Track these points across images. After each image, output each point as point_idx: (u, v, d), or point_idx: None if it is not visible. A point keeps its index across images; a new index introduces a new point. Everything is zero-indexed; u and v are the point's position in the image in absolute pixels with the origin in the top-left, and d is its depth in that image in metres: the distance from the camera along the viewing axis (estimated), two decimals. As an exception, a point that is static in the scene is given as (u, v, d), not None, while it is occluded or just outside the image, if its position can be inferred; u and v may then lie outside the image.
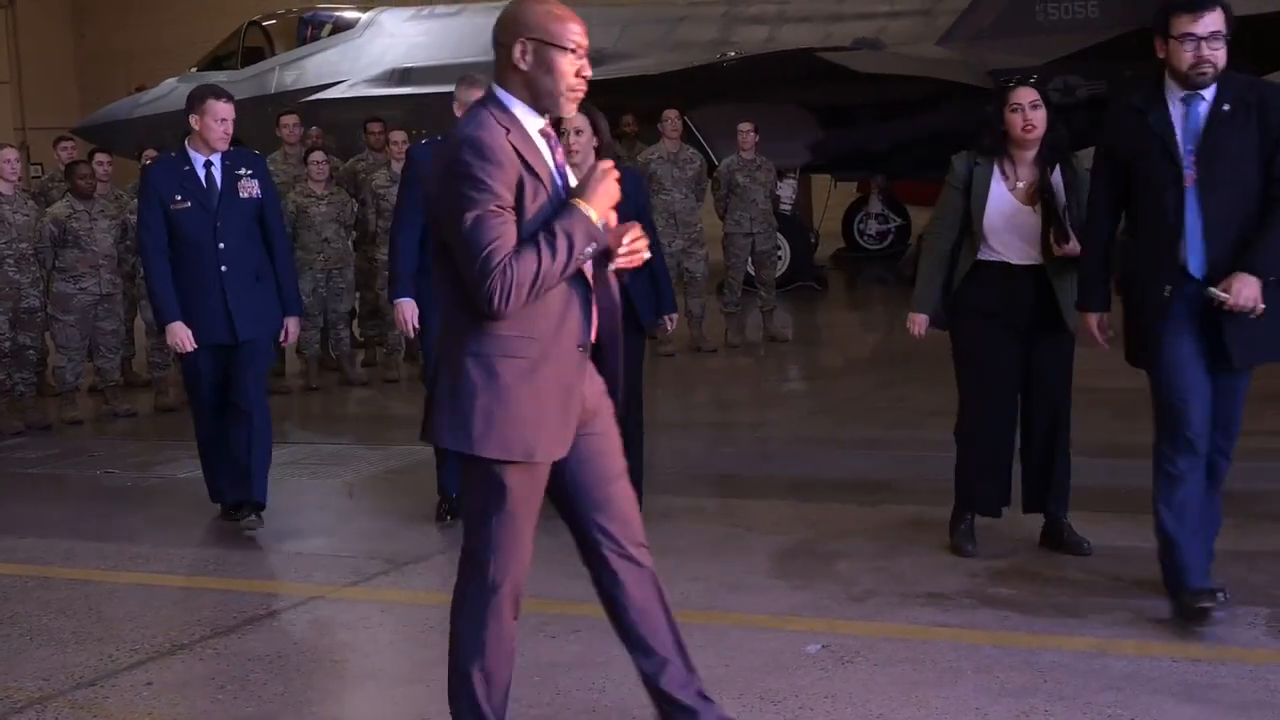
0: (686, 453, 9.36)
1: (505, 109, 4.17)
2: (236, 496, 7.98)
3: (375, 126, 14.47)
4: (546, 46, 4.14)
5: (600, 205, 4.13)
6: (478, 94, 5.82)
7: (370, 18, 22.48)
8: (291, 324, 8.09)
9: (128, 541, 7.24)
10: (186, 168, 7.76)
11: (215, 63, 22.68)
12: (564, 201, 4.13)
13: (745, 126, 14.56)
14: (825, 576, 6.60)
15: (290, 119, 14.39)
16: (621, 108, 15.12)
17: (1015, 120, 6.44)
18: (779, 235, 17.70)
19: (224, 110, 7.71)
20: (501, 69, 4.20)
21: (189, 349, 7.73)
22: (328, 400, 12.90)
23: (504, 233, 4.00)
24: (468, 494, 4.34)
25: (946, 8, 20.07)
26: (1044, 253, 6.47)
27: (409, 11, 22.83)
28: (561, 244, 4.03)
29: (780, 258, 18.22)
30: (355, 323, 14.37)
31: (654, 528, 6.37)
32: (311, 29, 22.48)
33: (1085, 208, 6.14)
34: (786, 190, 18.74)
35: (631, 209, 5.93)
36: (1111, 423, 9.41)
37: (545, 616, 6.11)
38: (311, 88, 21.34)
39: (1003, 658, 5.41)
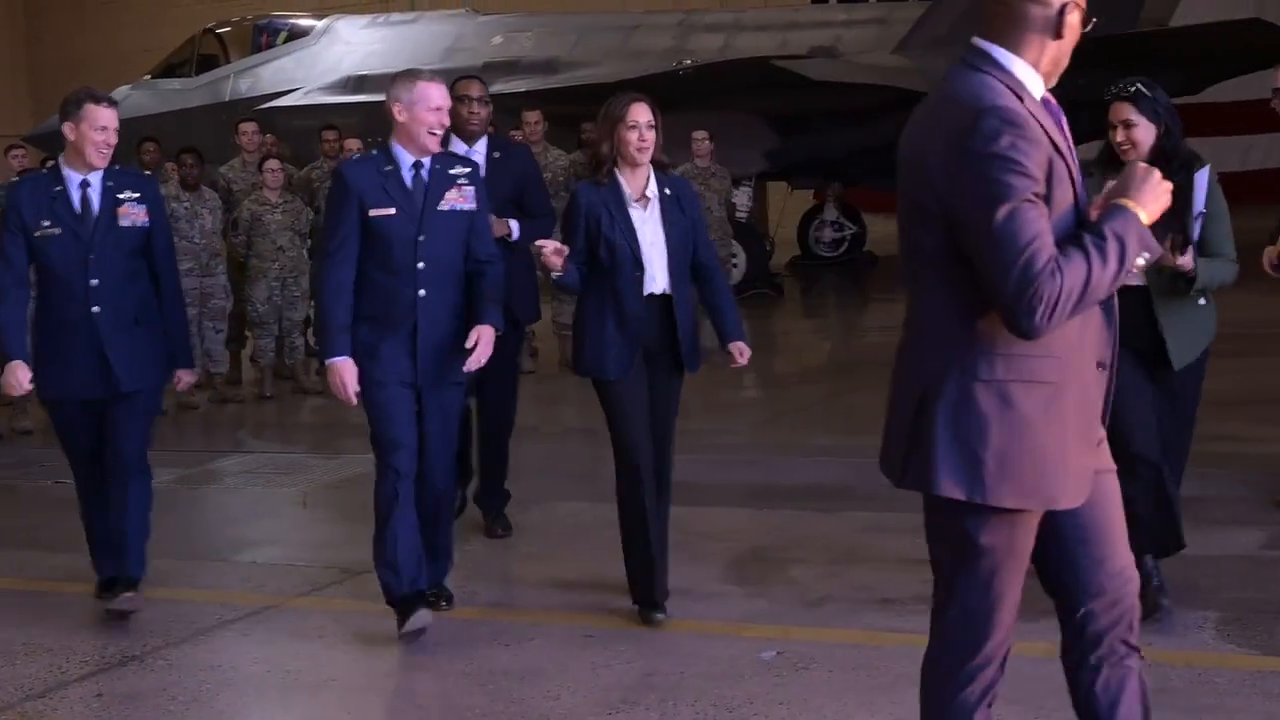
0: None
1: (1006, 70, 3.46)
2: (109, 571, 6.66)
3: (330, 134, 14.43)
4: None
5: (1152, 209, 3.40)
6: (424, 86, 6.03)
7: (326, 25, 22.42)
8: (185, 374, 6.77)
9: (79, 553, 7.17)
10: (58, 188, 6.46)
11: (169, 70, 22.57)
12: (1114, 203, 3.41)
13: (700, 134, 14.60)
14: (780, 583, 6.62)
15: (250, 126, 14.35)
16: (577, 116, 15.10)
17: (1113, 137, 6.05)
18: (734, 243, 17.76)
19: (106, 118, 6.40)
20: (1007, 21, 3.50)
21: (17, 393, 6.62)
22: (282, 409, 12.85)
23: (1042, 229, 3.26)
24: (951, 548, 3.57)
25: (901, 16, 20.18)
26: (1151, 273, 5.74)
27: (365, 19, 22.79)
28: (1113, 250, 3.30)
29: (735, 265, 18.26)
30: (310, 331, 14.35)
31: (606, 535, 6.41)
32: (266, 36, 22.40)
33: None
34: (742, 198, 18.78)
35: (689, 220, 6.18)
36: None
37: (499, 625, 6.10)
38: (267, 95, 21.26)
39: (955, 663, 5.43)
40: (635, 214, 6.09)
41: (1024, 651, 5.48)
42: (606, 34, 20.87)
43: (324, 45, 22.04)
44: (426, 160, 6.06)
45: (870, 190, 20.76)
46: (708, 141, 14.49)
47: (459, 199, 6.06)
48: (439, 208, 6.02)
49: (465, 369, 6.02)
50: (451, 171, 6.10)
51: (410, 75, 6.12)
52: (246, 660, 5.96)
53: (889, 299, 15.54)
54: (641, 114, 6.05)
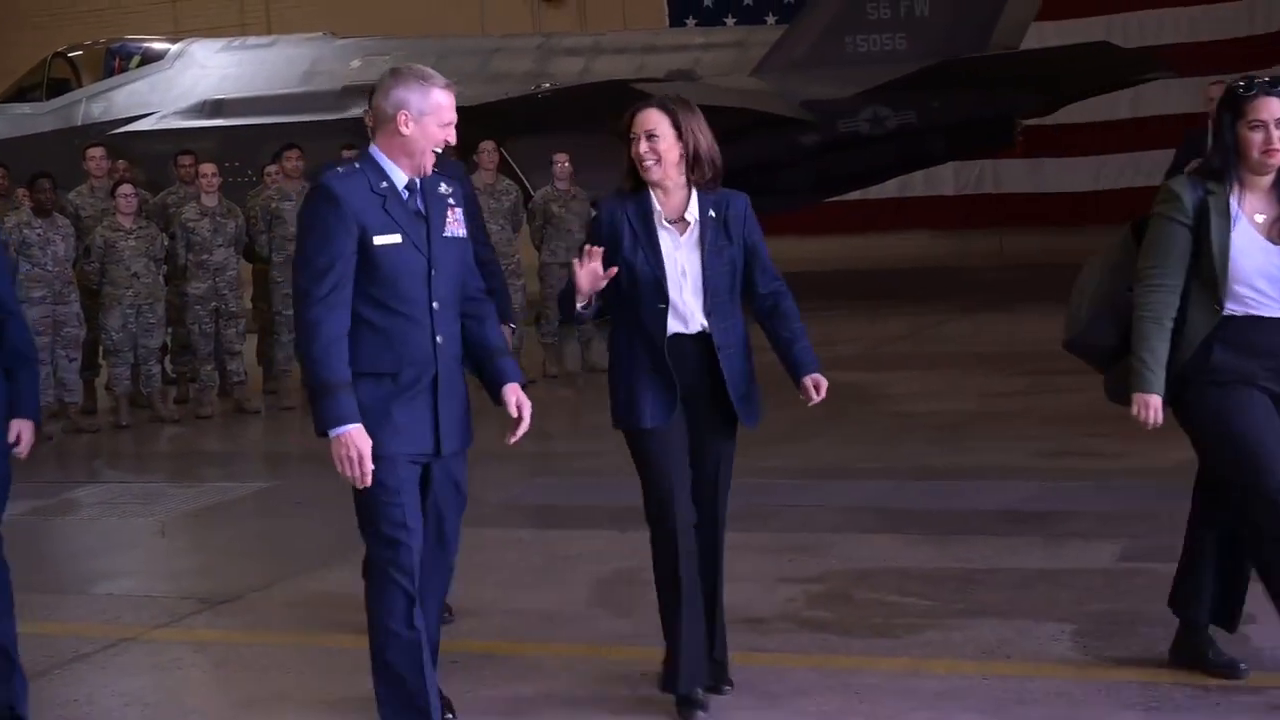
0: (505, 484, 9.33)
1: None
2: None
3: (186, 159, 14.22)
4: None
5: None
6: (440, 95, 4.82)
7: (180, 48, 22.14)
8: (24, 429, 5.31)
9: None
10: None
11: (20, 94, 22.15)
12: None
13: (560, 157, 14.61)
14: (646, 605, 6.60)
15: (96, 151, 14.09)
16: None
17: (1255, 140, 5.11)
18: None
19: None
20: None
21: None
22: (139, 438, 12.64)
23: None
24: None
25: (759, 39, 20.37)
26: None
27: (220, 42, 22.54)
28: None
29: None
30: (167, 359, 14.14)
31: (472, 559, 6.37)
32: (119, 60, 22.05)
33: None
34: (603, 221, 18.81)
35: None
36: (926, 446, 9.59)
37: (361, 653, 6.05)
38: (120, 120, 20.94)
39: (820, 680, 5.48)
40: (666, 237, 5.22)
41: (885, 667, 5.56)
42: (466, 57, 20.82)
43: (179, 69, 21.76)
44: (415, 179, 4.90)
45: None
46: (567, 164, 14.51)
47: (455, 224, 4.98)
48: (444, 234, 4.91)
49: (512, 441, 4.96)
50: (440, 190, 4.97)
51: (420, 77, 4.89)
52: (105, 694, 5.85)
53: (749, 321, 15.69)
54: (645, 122, 5.22)
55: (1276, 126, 5.07)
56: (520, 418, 4.95)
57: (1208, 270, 5.11)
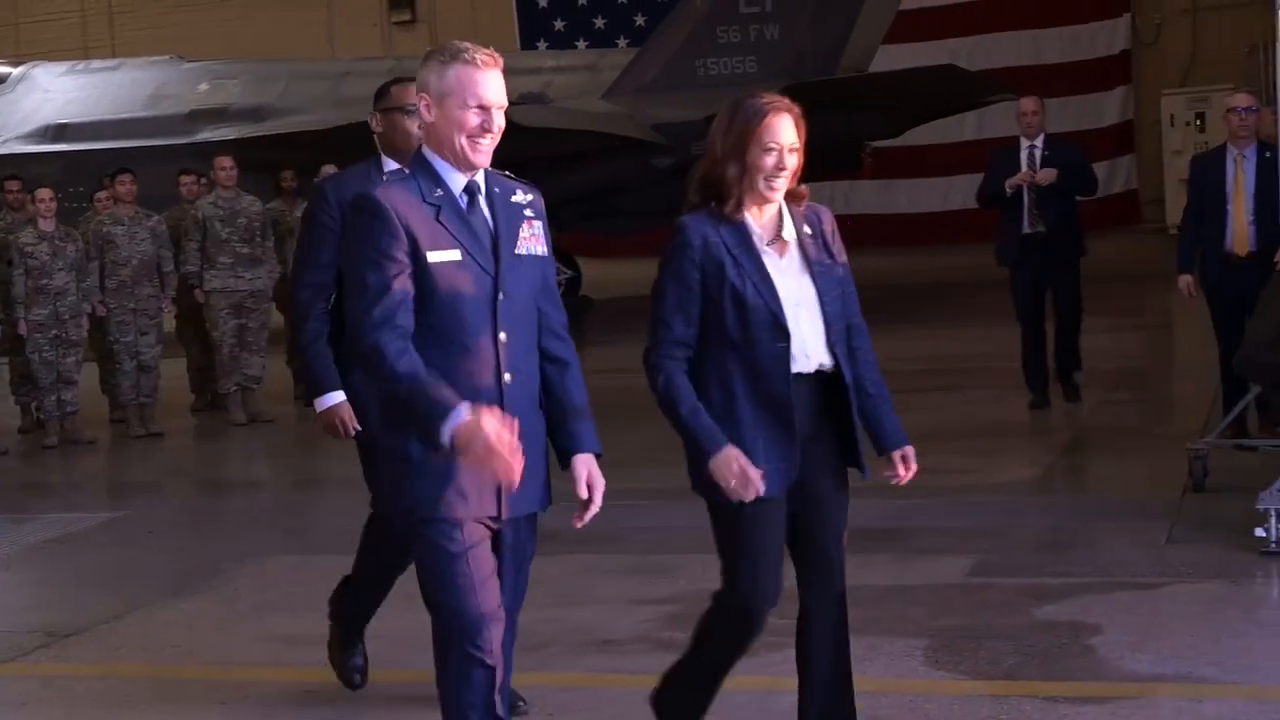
0: (344, 511, 9.24)
1: None
2: None
3: (13, 185, 13.75)
4: None
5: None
6: (460, 72, 4.10)
7: (23, 72, 21.72)
8: None
9: None
10: None
11: None
12: None
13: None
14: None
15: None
16: (283, 163, 14.91)
17: None
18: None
19: None
20: None
21: None
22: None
23: None
24: None
25: (610, 63, 20.44)
26: None
27: (64, 66, 22.14)
28: None
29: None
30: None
31: (318, 590, 6.29)
32: (-41, 85, 21.59)
33: None
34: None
35: None
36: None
37: (212, 683, 5.95)
38: (-40, 145, 20.48)
39: (676, 701, 5.47)
40: (770, 262, 4.46)
41: (740, 685, 5.57)
42: (315, 81, 20.67)
43: (21, 93, 21.33)
44: (480, 180, 4.16)
45: (584, 235, 20.91)
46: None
47: (532, 239, 4.19)
48: (516, 251, 4.15)
49: (578, 523, 4.25)
50: (515, 199, 4.21)
51: (444, 54, 4.13)
52: (-55, 733, 5.70)
53: (607, 342, 15.66)
54: (785, 131, 4.39)
55: None
56: (590, 500, 4.23)
57: None
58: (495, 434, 3.83)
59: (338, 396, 5.49)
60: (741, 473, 4.29)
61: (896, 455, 4.59)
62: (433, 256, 4.04)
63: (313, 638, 6.39)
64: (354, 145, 17.18)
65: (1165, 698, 5.36)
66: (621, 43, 24.17)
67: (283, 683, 5.98)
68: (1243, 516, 7.01)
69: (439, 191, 4.10)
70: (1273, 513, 6.79)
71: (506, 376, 4.07)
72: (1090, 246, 11.10)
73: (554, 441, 4.27)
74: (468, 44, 4.13)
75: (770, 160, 4.36)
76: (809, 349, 4.43)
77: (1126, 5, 23.55)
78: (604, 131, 18.09)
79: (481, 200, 4.15)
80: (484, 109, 4.06)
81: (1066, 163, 10.70)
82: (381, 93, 5.68)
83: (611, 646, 6.16)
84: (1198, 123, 21.09)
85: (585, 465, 4.24)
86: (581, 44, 25.09)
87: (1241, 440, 8.38)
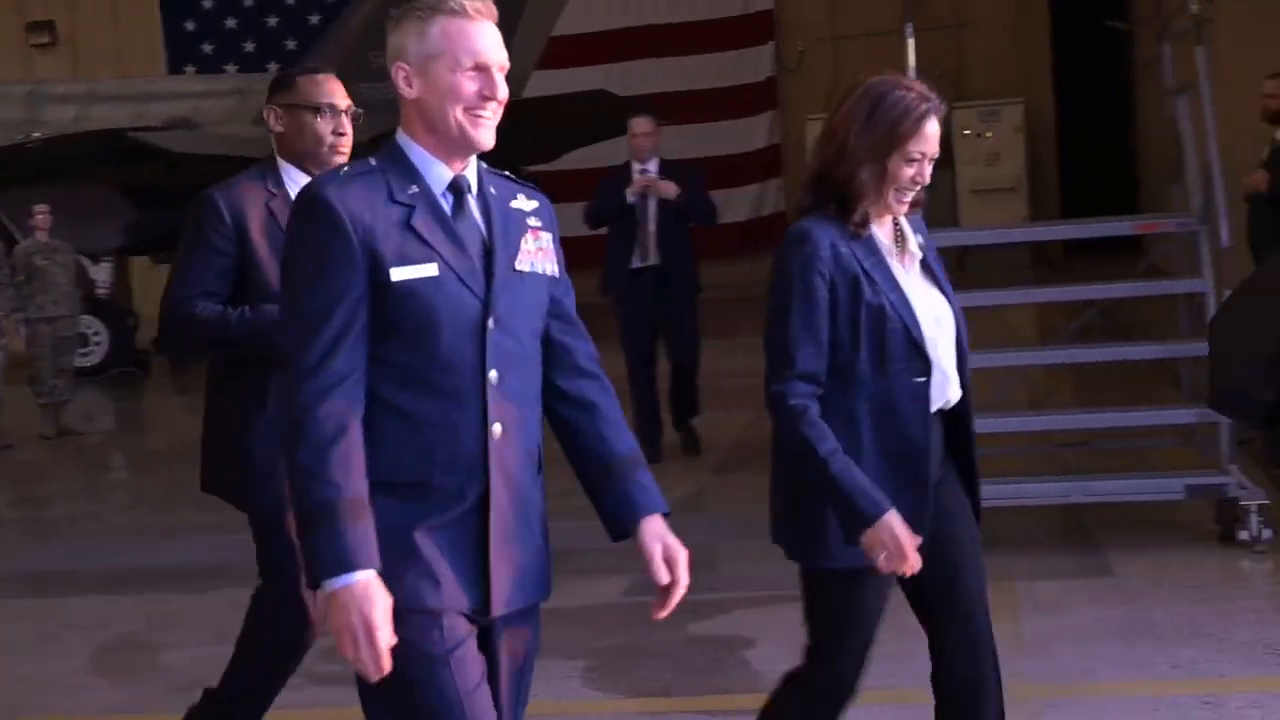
0: (1, 552, 8.89)
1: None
2: None
3: None
4: None
5: None
6: (453, 25, 3.14)
7: None
8: None
9: None
10: None
11: None
12: None
13: (40, 208, 14.02)
14: (151, 669, 6.39)
15: None
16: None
17: None
18: (96, 320, 17.20)
19: None
20: None
21: None
22: None
23: None
24: None
25: (261, 87, 19.93)
26: None
27: None
28: None
29: (98, 344, 17.73)
30: None
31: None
32: None
33: None
34: (102, 274, 18.23)
35: None
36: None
37: None
38: None
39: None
40: (900, 278, 3.75)
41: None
42: (-52, 105, 19.80)
43: None
44: (471, 176, 3.20)
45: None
46: (47, 215, 13.90)
47: (537, 253, 3.25)
48: (516, 266, 3.19)
49: (661, 614, 3.38)
50: (516, 204, 3.27)
51: (422, 8, 3.14)
52: None
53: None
54: (935, 139, 3.72)
55: None
56: (674, 582, 3.33)
57: None
58: (363, 623, 2.88)
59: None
60: (898, 544, 3.55)
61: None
62: (399, 273, 3.04)
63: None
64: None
65: (815, 705, 5.49)
66: (272, 67, 23.79)
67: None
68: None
69: (413, 189, 3.12)
70: (913, 522, 7.01)
71: (495, 428, 3.09)
72: (739, 269, 11.25)
73: (601, 509, 3.32)
74: None
75: (911, 172, 3.67)
76: (946, 381, 3.75)
77: (771, 33, 24.24)
78: (252, 157, 17.77)
79: (472, 201, 3.17)
80: (483, 69, 3.13)
81: (685, 184, 9.86)
82: (284, 84, 4.74)
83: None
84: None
85: (657, 535, 3.28)
86: (231, 68, 24.59)
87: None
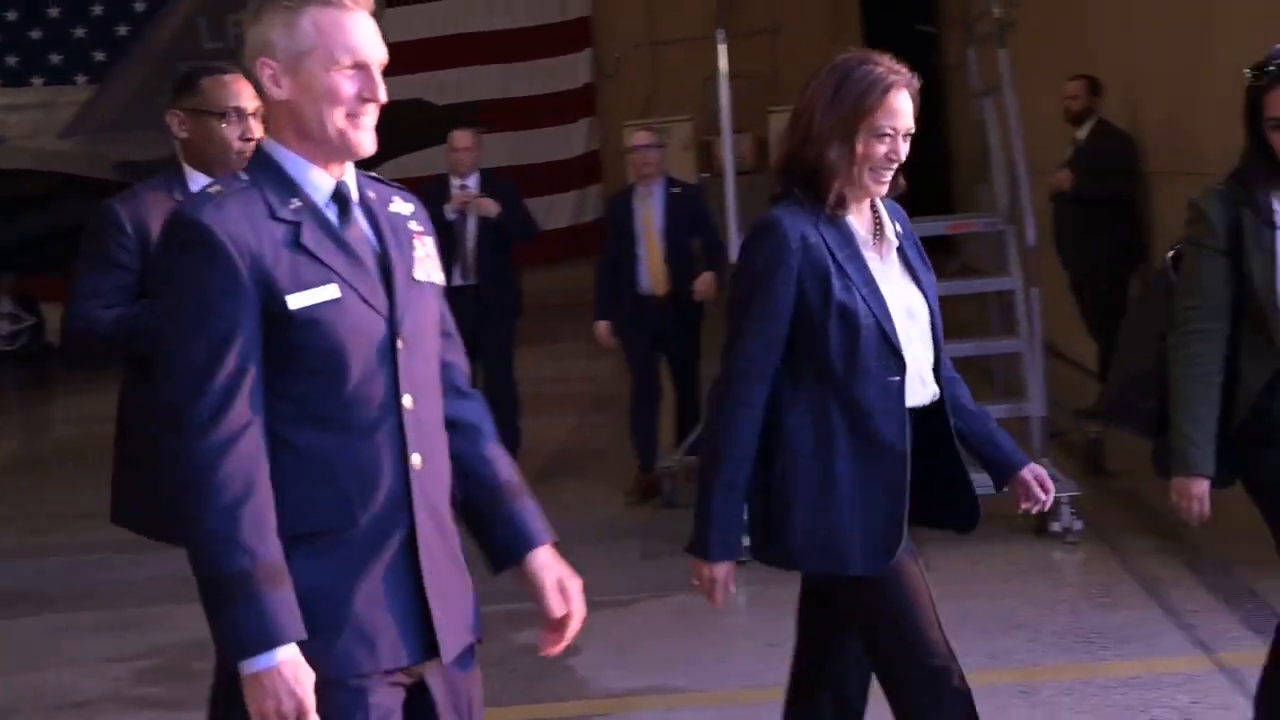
0: None
1: None
2: None
3: None
4: None
5: None
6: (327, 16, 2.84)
7: None
8: None
9: None
10: None
11: None
12: None
13: None
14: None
15: None
16: None
17: (1278, 142, 3.97)
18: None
19: None
20: None
21: None
22: None
23: None
24: None
25: (68, 100, 19.72)
26: None
27: None
28: None
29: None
30: None
31: None
32: None
33: None
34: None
35: None
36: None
37: None
38: None
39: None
40: (875, 269, 3.57)
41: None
42: None
43: None
44: (349, 178, 2.90)
45: (48, 279, 20.05)
46: None
47: (427, 259, 2.95)
48: (415, 276, 2.90)
49: (554, 650, 3.12)
50: (394, 208, 2.98)
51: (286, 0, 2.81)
52: None
53: (76, 391, 15.14)
54: (907, 112, 3.52)
55: None
56: (569, 614, 3.04)
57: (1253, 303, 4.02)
58: (305, 712, 2.61)
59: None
60: (718, 591, 3.57)
61: (1029, 476, 3.74)
62: (297, 299, 2.71)
63: None
64: None
65: (642, 711, 5.53)
66: (80, 80, 23.30)
67: None
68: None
69: (294, 202, 2.78)
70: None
71: (414, 459, 2.79)
72: (561, 275, 11.16)
73: (489, 537, 3.04)
74: None
75: (883, 149, 3.47)
76: (922, 377, 3.59)
77: (588, 39, 24.27)
78: (60, 171, 17.44)
79: (356, 210, 2.87)
80: (362, 67, 2.83)
81: (501, 199, 9.45)
82: (187, 86, 4.41)
83: (84, 709, 5.91)
84: (659, 152, 21.97)
85: (548, 564, 3.03)
86: (38, 81, 24.02)
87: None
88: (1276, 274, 3.91)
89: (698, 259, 8.98)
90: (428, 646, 2.79)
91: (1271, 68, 3.91)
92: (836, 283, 3.45)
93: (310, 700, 2.60)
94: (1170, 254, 4.21)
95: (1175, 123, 9.41)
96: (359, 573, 2.73)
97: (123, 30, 24.10)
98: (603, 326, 9.04)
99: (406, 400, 2.79)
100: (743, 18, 19.07)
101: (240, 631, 2.59)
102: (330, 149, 2.81)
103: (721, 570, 3.54)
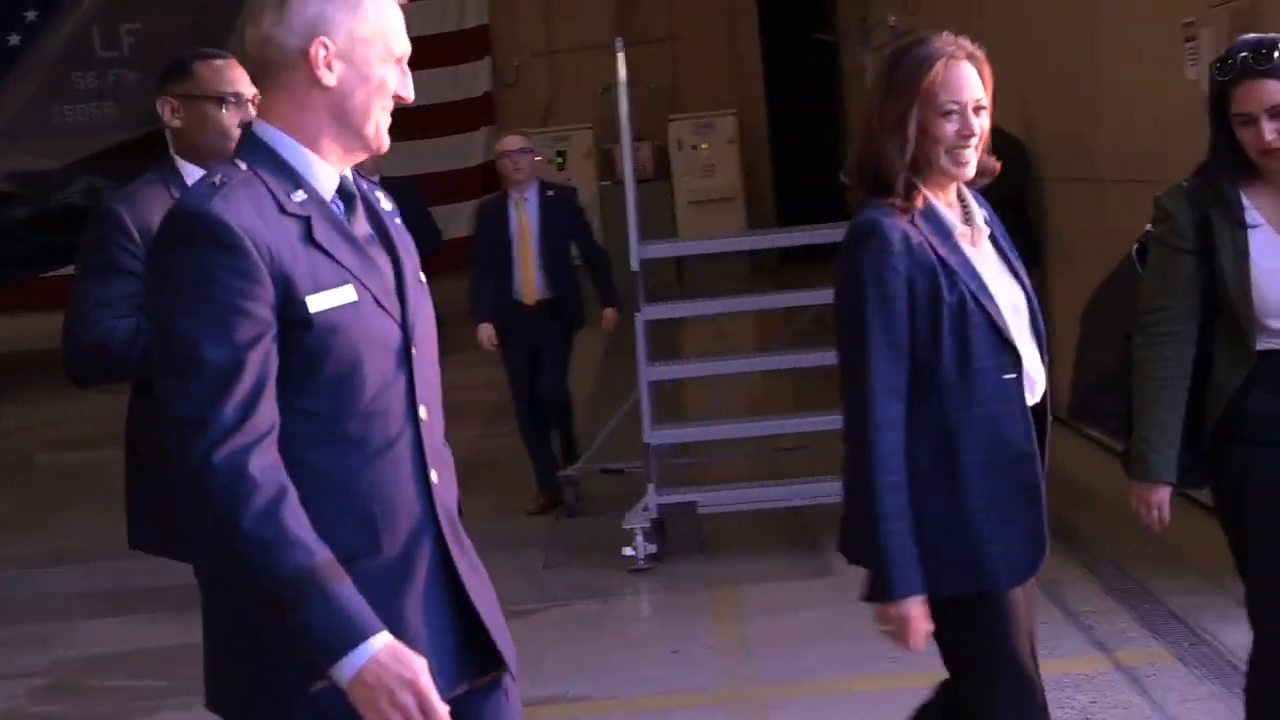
0: None
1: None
2: None
3: None
4: None
5: None
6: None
7: None
8: None
9: None
10: None
11: None
12: None
13: None
14: None
15: None
16: None
17: (1248, 138, 3.81)
18: None
19: None
20: None
21: None
22: None
23: None
24: None
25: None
26: None
27: None
28: None
29: None
30: None
31: None
32: None
33: None
34: None
35: None
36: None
37: None
38: None
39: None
40: (977, 263, 3.35)
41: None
42: None
43: None
44: (348, 173, 2.70)
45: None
46: None
47: (414, 261, 2.77)
48: (419, 279, 2.74)
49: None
50: (386, 204, 2.81)
51: None
52: None
53: (18, 401, 15.04)
54: (968, 84, 3.28)
55: (1272, 117, 3.75)
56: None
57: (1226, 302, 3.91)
58: (425, 691, 2.38)
59: None
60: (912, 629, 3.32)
61: None
62: (316, 301, 2.47)
63: None
64: None
65: (549, 719, 5.51)
66: (-28, 90, 22.97)
67: None
68: (612, 537, 7.29)
69: (300, 195, 2.53)
70: (638, 531, 7.10)
71: (433, 475, 2.61)
72: (464, 285, 11.10)
73: None
74: None
75: (952, 127, 3.25)
76: (1034, 374, 3.35)
77: (487, 48, 24.23)
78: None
79: (360, 210, 2.67)
80: (402, 63, 2.73)
81: (406, 208, 9.73)
82: (180, 71, 4.09)
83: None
84: (559, 160, 21.88)
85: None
86: (-73, 92, 23.67)
87: (608, 465, 8.73)
88: (1249, 274, 3.81)
89: (580, 266, 9.08)
90: (485, 663, 2.67)
91: (1235, 61, 3.79)
92: (944, 281, 3.24)
93: (427, 682, 2.38)
94: (1135, 246, 4.10)
95: (1066, 129, 9.55)
96: (392, 600, 2.51)
97: (14, 40, 23.74)
98: (486, 329, 8.80)
99: (422, 412, 2.60)
100: (641, 26, 19.17)
101: (325, 632, 2.35)
102: (360, 143, 2.62)
103: (909, 607, 3.28)
